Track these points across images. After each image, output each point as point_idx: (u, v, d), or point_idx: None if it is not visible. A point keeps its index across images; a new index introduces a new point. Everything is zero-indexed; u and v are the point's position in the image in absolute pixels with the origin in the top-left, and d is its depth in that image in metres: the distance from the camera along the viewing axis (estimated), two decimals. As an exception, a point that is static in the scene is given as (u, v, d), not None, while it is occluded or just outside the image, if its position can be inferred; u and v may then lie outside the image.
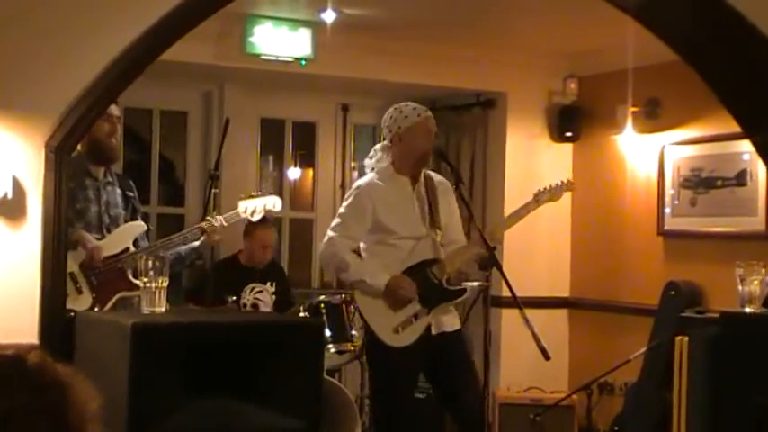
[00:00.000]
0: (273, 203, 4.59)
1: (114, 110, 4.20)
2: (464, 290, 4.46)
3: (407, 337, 4.36)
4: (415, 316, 4.38)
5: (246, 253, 5.92)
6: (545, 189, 4.64)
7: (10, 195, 3.18)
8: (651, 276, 6.15)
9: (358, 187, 4.52)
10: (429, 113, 4.49)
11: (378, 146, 4.60)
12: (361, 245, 4.50)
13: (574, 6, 5.32)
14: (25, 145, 3.22)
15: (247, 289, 5.61)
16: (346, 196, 4.62)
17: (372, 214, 4.41)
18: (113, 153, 4.30)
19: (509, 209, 6.58)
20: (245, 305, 5.54)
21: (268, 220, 5.54)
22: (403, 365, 4.40)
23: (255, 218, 4.58)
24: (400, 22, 5.90)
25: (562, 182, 4.72)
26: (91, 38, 3.26)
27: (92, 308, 3.96)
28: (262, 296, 5.61)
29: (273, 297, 5.65)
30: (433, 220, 4.48)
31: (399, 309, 4.36)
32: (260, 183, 6.85)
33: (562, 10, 5.49)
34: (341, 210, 4.53)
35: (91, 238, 4.06)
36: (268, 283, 5.71)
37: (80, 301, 3.94)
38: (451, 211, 4.59)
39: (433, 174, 4.58)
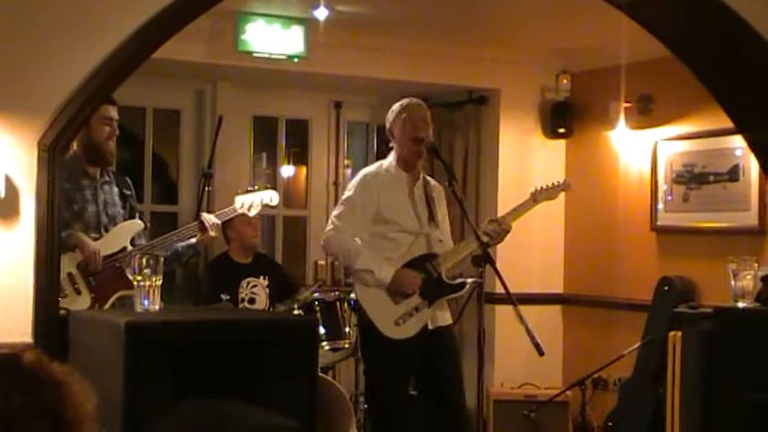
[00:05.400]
0: (270, 197, 4.60)
1: (114, 112, 4.20)
2: (463, 284, 4.51)
3: (408, 330, 4.41)
4: (416, 308, 4.43)
5: (238, 242, 5.87)
6: (542, 188, 4.68)
7: (2, 195, 3.17)
8: (644, 272, 6.16)
9: (364, 174, 4.59)
10: (415, 103, 4.61)
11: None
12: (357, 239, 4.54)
13: (566, 3, 5.33)
14: (17, 144, 3.21)
15: (244, 284, 5.63)
16: (351, 184, 4.66)
17: (377, 203, 4.47)
18: (111, 157, 4.30)
19: (502, 205, 6.62)
20: (242, 300, 5.56)
21: None
22: (398, 360, 4.43)
23: (252, 212, 4.59)
24: (392, 19, 5.90)
25: (559, 182, 4.76)
26: (83, 36, 3.26)
27: (91, 308, 3.95)
28: (257, 290, 5.63)
29: (267, 290, 5.67)
30: (432, 218, 4.54)
31: (401, 301, 4.39)
32: (253, 180, 6.83)
33: (554, 7, 5.49)
34: (347, 196, 4.57)
35: (89, 242, 4.03)
36: (261, 278, 5.72)
37: (79, 302, 3.93)
38: (444, 215, 4.69)
39: (429, 178, 4.70)
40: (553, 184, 4.73)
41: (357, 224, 4.47)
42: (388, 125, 4.60)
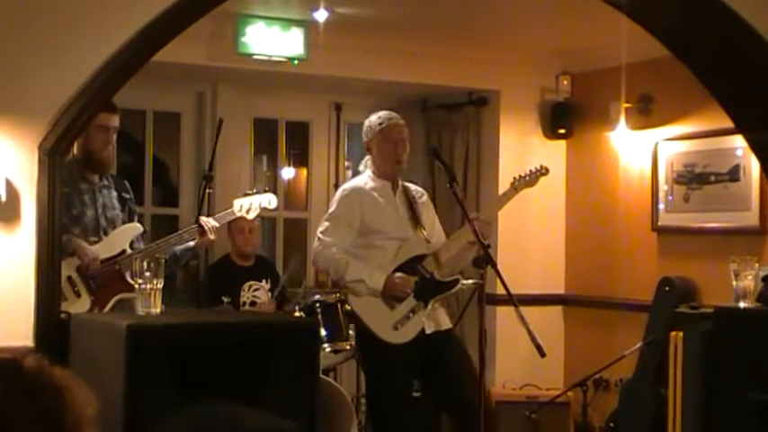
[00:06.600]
0: (269, 201, 4.62)
1: (111, 121, 4.20)
2: (457, 280, 4.53)
3: (407, 333, 4.41)
4: (413, 311, 4.43)
5: (236, 246, 5.88)
6: (521, 176, 4.72)
7: (3, 198, 3.18)
8: (645, 272, 6.16)
9: (344, 189, 4.65)
10: (396, 120, 4.65)
11: (366, 157, 4.74)
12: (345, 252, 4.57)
13: (566, 4, 5.33)
14: (18, 148, 3.22)
15: (245, 287, 5.63)
16: (334, 199, 4.72)
17: (360, 216, 4.50)
18: (106, 165, 4.30)
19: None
20: (244, 303, 5.55)
21: None
22: (398, 365, 4.43)
23: (251, 216, 4.60)
24: (392, 21, 5.90)
25: (537, 168, 4.78)
26: (83, 40, 3.26)
27: (91, 311, 3.96)
28: (259, 293, 5.63)
29: (270, 294, 5.66)
30: (417, 221, 4.58)
31: (396, 306, 4.41)
32: (254, 182, 6.84)
33: (554, 7, 5.49)
34: (330, 212, 4.61)
35: (88, 249, 4.03)
36: (263, 281, 5.72)
37: (79, 305, 3.94)
38: (432, 219, 4.71)
39: (410, 184, 4.75)
40: (531, 171, 4.76)
41: (343, 237, 4.50)
42: (365, 138, 4.65)
